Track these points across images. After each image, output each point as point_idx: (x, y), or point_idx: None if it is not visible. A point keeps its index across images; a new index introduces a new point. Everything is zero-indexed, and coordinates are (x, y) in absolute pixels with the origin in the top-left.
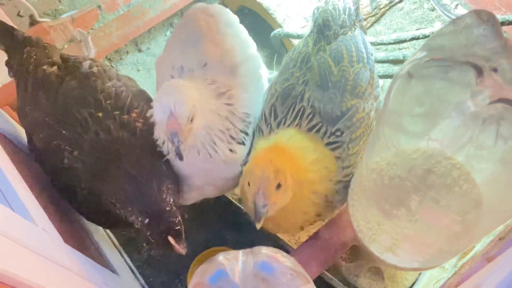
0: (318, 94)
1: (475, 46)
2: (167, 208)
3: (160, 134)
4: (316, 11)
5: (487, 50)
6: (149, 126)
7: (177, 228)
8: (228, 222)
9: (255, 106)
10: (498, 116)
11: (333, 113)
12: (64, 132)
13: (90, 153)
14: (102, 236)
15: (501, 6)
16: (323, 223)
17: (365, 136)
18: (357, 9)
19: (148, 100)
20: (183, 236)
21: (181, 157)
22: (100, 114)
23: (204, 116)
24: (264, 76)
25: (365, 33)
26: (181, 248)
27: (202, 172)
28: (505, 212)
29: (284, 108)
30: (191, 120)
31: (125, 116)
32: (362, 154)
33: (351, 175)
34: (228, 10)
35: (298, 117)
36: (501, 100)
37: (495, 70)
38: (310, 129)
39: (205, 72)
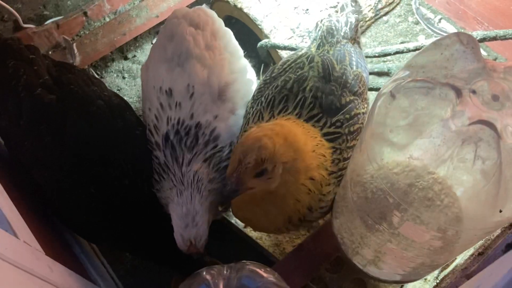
0: (321, 85)
1: (455, 68)
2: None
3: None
4: (319, 22)
5: (467, 72)
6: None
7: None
8: (212, 233)
9: (238, 126)
10: (476, 137)
11: (333, 104)
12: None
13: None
14: (83, 246)
15: (483, 20)
16: (307, 232)
17: (359, 135)
18: (356, 26)
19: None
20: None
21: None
22: (117, 173)
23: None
24: (253, 79)
25: (362, 50)
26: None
27: None
28: (483, 229)
29: (293, 96)
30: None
31: (139, 178)
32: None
33: (345, 170)
34: (213, 14)
35: (299, 107)
36: (480, 122)
37: (473, 92)
38: (310, 118)
39: (191, 106)
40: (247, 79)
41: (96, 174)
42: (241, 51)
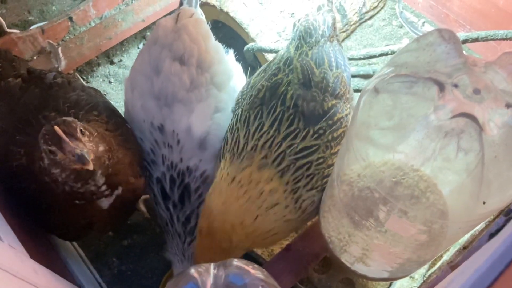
0: (302, 92)
1: (437, 63)
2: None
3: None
4: (297, 22)
5: (449, 67)
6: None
7: (67, 119)
8: None
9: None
10: (459, 129)
11: (316, 111)
12: (17, 137)
13: (35, 145)
14: (69, 250)
15: (465, 23)
16: (295, 233)
17: (343, 138)
18: (334, 24)
19: (111, 110)
20: (78, 135)
21: None
22: (54, 114)
23: None
24: (239, 74)
25: (341, 47)
26: (72, 145)
27: None
28: (468, 221)
29: (266, 106)
30: None
31: (81, 112)
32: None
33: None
34: (199, 30)
35: (277, 122)
36: (462, 115)
37: (456, 86)
38: (287, 135)
39: (179, 153)
40: (229, 114)
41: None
42: (229, 73)
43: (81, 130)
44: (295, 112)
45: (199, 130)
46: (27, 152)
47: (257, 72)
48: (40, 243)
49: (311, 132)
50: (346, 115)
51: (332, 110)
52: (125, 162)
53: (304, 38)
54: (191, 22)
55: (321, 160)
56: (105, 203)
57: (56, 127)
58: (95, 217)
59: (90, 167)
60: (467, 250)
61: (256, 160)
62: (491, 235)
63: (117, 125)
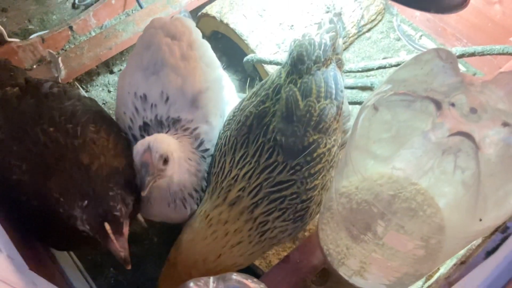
0: (283, 126)
1: (434, 82)
2: (110, 193)
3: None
4: (292, 43)
5: (446, 85)
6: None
7: (116, 214)
8: None
9: (214, 138)
10: (456, 148)
11: (295, 146)
12: (14, 148)
13: (37, 162)
14: (67, 261)
15: (462, 37)
16: (293, 244)
17: (324, 171)
18: (333, 44)
19: (107, 120)
20: (123, 231)
21: (143, 188)
22: (52, 129)
23: (182, 174)
24: (230, 91)
25: (343, 65)
26: (119, 246)
27: (166, 217)
28: (465, 237)
29: (253, 134)
30: (165, 162)
31: (78, 128)
32: (321, 190)
33: (306, 209)
34: (190, 25)
35: (258, 153)
36: (459, 133)
37: (452, 105)
38: (265, 168)
39: (168, 108)
40: (221, 88)
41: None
42: (217, 63)
43: (127, 224)
44: (275, 145)
45: (191, 89)
46: (31, 172)
47: (249, 95)
48: (38, 253)
49: (288, 167)
50: (329, 148)
51: (313, 146)
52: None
53: (296, 65)
54: (183, 18)
55: (294, 196)
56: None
57: (106, 225)
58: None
59: (129, 267)
60: (465, 266)
61: (231, 196)
62: (488, 253)
63: (115, 139)
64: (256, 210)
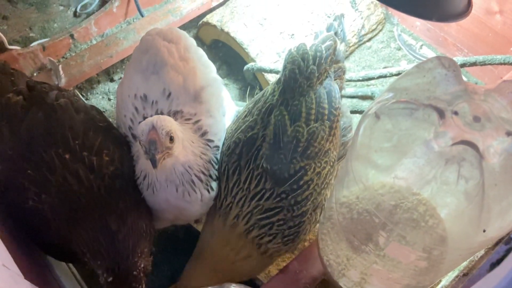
0: (269, 153)
1: (437, 90)
2: (134, 273)
3: (141, 168)
4: (287, 56)
5: (449, 94)
6: (121, 173)
7: (137, 286)
8: None
9: (221, 132)
10: (459, 157)
11: (281, 174)
12: (29, 171)
13: (59, 198)
14: (63, 270)
15: (463, 47)
16: (293, 254)
17: (313, 197)
18: (331, 53)
19: (117, 138)
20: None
21: (155, 165)
22: (68, 156)
23: (187, 155)
24: (226, 98)
25: (344, 72)
26: None
27: (176, 209)
28: (468, 249)
29: (243, 161)
30: (171, 140)
31: (94, 158)
32: (311, 213)
33: (296, 233)
34: (185, 33)
35: (249, 181)
36: (462, 142)
37: (456, 113)
38: (255, 195)
39: (170, 103)
40: (221, 87)
41: (47, 159)
42: (213, 67)
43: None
44: (263, 171)
45: (192, 85)
46: (52, 207)
47: (243, 112)
48: (34, 263)
49: (275, 194)
50: (319, 172)
51: (299, 174)
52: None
53: (288, 83)
54: (177, 29)
55: (281, 222)
56: None
57: None
58: None
59: None
60: (468, 278)
61: (228, 222)
62: (493, 265)
63: (120, 160)
64: (249, 235)
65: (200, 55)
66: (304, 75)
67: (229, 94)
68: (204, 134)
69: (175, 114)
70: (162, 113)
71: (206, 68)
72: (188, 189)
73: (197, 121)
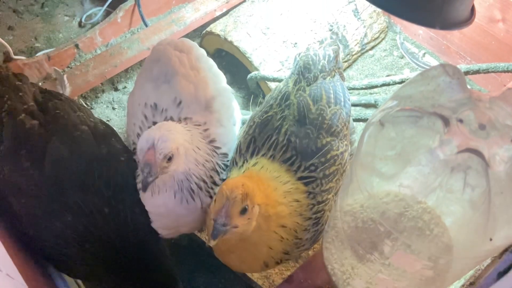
0: (295, 129)
1: (442, 97)
2: None
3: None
4: (297, 56)
5: (453, 101)
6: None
7: None
8: (200, 264)
9: (231, 141)
10: (465, 165)
11: (309, 148)
12: (69, 218)
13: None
14: (67, 281)
15: (466, 55)
16: (297, 263)
17: (338, 175)
18: (336, 57)
19: (122, 179)
20: None
21: (144, 189)
22: (96, 199)
23: (188, 163)
24: (236, 108)
25: (344, 80)
26: None
27: (174, 215)
28: (474, 258)
29: (260, 138)
30: (169, 160)
31: (120, 207)
32: (334, 195)
33: (322, 212)
34: (195, 44)
35: (272, 148)
36: (467, 150)
37: (460, 121)
38: (284, 161)
39: (179, 111)
40: (231, 97)
41: (74, 202)
42: (224, 77)
43: None
44: (289, 144)
45: (203, 94)
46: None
47: (257, 109)
48: (38, 272)
49: (302, 167)
50: (342, 152)
51: (326, 148)
52: None
53: (303, 73)
54: (189, 40)
55: (312, 196)
56: None
57: None
58: None
59: None
60: (475, 287)
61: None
62: (500, 274)
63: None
64: None
65: (211, 65)
66: (317, 67)
67: (238, 105)
68: (212, 141)
69: (184, 119)
70: (172, 119)
71: (217, 78)
72: (186, 196)
73: (206, 130)
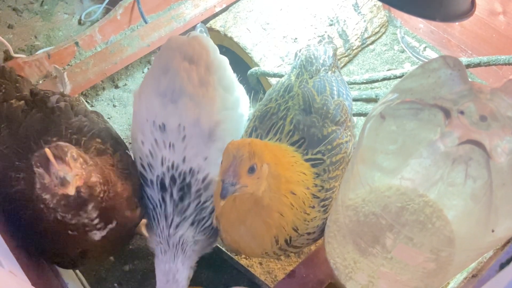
0: (301, 117)
1: (442, 90)
2: None
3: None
4: (298, 52)
5: (454, 93)
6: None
7: (60, 143)
8: (203, 261)
9: None
10: (466, 156)
11: (315, 135)
12: (17, 163)
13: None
14: (70, 276)
15: (467, 48)
16: (299, 258)
17: (344, 163)
18: (335, 55)
19: (113, 137)
20: (68, 157)
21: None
22: (55, 139)
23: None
24: (245, 113)
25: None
26: (58, 167)
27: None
28: (476, 249)
29: (263, 127)
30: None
31: (84, 139)
32: (338, 187)
33: (330, 199)
34: (207, 44)
35: (278, 133)
36: (469, 141)
37: (461, 113)
38: (292, 144)
39: (184, 147)
40: (239, 114)
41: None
42: (235, 83)
43: (73, 156)
44: (295, 129)
45: (208, 121)
46: (27, 177)
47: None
48: (41, 269)
49: (310, 154)
50: (346, 141)
51: (332, 135)
52: (123, 196)
53: (305, 67)
54: (201, 36)
55: (320, 179)
56: (97, 235)
57: (46, 149)
58: (88, 247)
59: (70, 191)
60: (477, 279)
61: None
62: (502, 265)
63: (120, 156)
64: None
65: (222, 73)
66: (319, 61)
67: (247, 99)
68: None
69: (189, 173)
70: (177, 168)
71: (227, 92)
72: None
73: (205, 177)
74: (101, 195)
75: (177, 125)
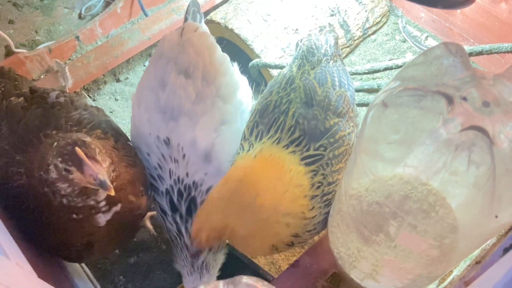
0: (303, 111)
1: (445, 76)
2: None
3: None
4: (299, 42)
5: (457, 80)
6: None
7: (86, 140)
8: None
9: None
10: (469, 142)
11: (317, 129)
12: (17, 157)
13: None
14: (76, 269)
15: (468, 37)
16: (303, 249)
17: (347, 155)
18: (336, 44)
19: (114, 129)
20: (98, 157)
21: None
22: (55, 132)
23: None
24: (246, 103)
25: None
26: (95, 169)
27: None
28: (480, 236)
29: (266, 121)
30: None
31: (84, 130)
32: (341, 179)
33: (333, 193)
34: (204, 42)
35: (279, 131)
36: (472, 127)
37: (464, 99)
38: (291, 142)
39: (186, 164)
40: (237, 128)
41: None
42: (235, 87)
43: (101, 153)
44: (296, 125)
45: (203, 143)
46: (27, 169)
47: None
48: (47, 262)
49: (312, 149)
50: (349, 133)
51: (334, 128)
52: (126, 179)
53: (307, 57)
54: (196, 36)
55: (319, 175)
56: (102, 219)
57: (77, 149)
58: (93, 235)
59: (112, 193)
60: (481, 265)
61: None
62: (506, 250)
63: (122, 145)
64: None
65: (220, 81)
66: (320, 51)
67: (246, 81)
68: None
69: (192, 186)
70: (183, 181)
71: (225, 102)
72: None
73: (208, 189)
74: (110, 175)
75: (177, 144)
